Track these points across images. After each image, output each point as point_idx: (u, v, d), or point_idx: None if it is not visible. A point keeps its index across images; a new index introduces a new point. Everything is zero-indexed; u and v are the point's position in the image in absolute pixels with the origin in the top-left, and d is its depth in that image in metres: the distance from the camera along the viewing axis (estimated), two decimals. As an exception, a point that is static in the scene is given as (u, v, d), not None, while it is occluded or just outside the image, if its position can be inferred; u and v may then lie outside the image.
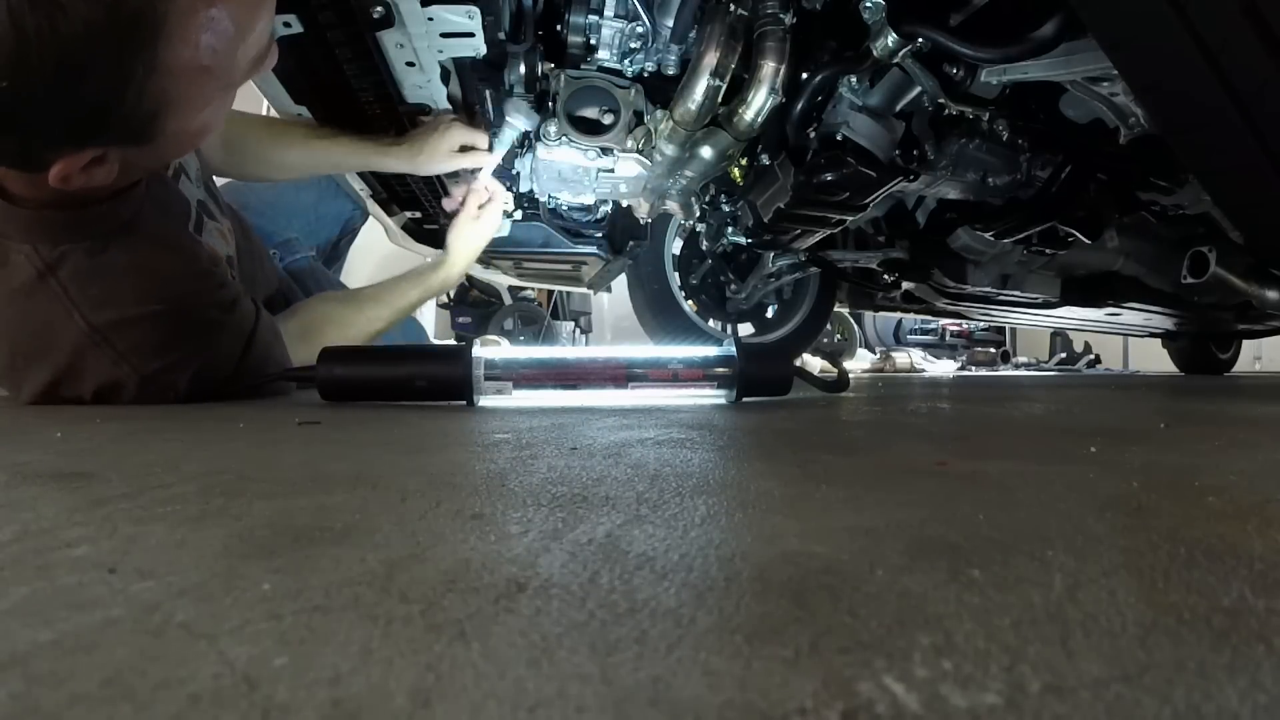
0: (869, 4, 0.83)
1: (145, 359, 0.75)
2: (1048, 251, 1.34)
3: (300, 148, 1.06)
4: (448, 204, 1.22)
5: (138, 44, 0.55)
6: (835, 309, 2.17)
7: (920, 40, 0.84)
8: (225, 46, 0.60)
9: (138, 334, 0.75)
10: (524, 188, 1.36)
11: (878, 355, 4.12)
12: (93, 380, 0.75)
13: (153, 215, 0.78)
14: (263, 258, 1.13)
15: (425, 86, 1.01)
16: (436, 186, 1.34)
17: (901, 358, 3.98)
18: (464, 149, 1.09)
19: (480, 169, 1.15)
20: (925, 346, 4.82)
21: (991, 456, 0.43)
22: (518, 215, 1.56)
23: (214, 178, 1.01)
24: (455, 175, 1.21)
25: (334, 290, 1.30)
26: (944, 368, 4.02)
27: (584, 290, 1.96)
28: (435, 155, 1.07)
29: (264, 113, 1.17)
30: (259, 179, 1.17)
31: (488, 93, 1.05)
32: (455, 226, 1.17)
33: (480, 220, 1.18)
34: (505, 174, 1.25)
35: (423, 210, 1.45)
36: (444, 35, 0.90)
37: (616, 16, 0.99)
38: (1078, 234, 1.21)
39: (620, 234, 1.56)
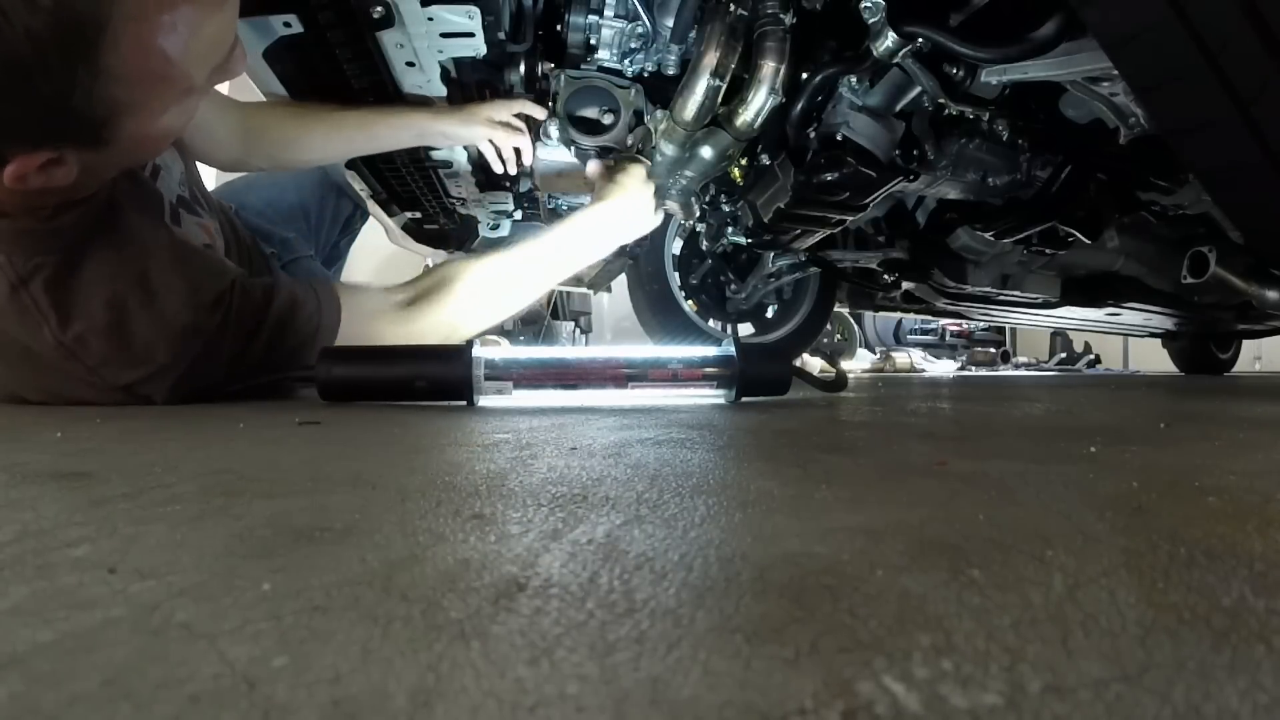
0: (869, 4, 0.83)
1: (115, 373, 0.74)
2: (1048, 251, 1.34)
3: (330, 126, 1.02)
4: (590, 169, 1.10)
5: (80, 50, 0.55)
6: (835, 309, 2.17)
7: (920, 40, 0.84)
8: (178, 53, 0.60)
9: (106, 347, 0.73)
10: (524, 187, 1.36)
11: (878, 355, 4.13)
12: (73, 390, 0.75)
13: (125, 212, 0.77)
14: (255, 257, 1.11)
15: (425, 86, 1.02)
16: (436, 186, 1.34)
17: (901, 358, 3.99)
18: (505, 128, 1.05)
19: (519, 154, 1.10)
20: (925, 346, 4.82)
21: (991, 456, 0.43)
22: (518, 215, 1.56)
23: (200, 180, 0.99)
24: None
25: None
26: (944, 368, 4.03)
27: (584, 290, 1.96)
28: (473, 120, 1.03)
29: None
30: (287, 166, 1.13)
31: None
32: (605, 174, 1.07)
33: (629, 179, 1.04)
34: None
35: (423, 210, 1.45)
36: (444, 35, 0.90)
37: (616, 16, 0.99)
38: (1078, 234, 1.21)
39: (620, 234, 1.55)
